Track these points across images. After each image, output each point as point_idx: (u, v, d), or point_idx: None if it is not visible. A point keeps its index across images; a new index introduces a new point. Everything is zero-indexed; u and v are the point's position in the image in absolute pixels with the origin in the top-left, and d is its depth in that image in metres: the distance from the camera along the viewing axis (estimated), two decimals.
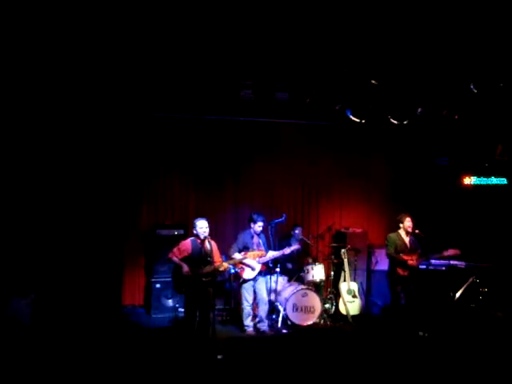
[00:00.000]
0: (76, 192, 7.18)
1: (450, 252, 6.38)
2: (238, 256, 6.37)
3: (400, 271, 6.30)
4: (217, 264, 5.76)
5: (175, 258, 5.70)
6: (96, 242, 7.19)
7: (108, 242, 7.29)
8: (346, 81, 6.38)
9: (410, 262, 6.25)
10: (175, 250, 5.74)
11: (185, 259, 5.70)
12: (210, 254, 5.71)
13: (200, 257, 5.69)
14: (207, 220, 5.83)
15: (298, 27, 5.08)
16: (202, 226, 5.71)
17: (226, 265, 5.90)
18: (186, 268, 5.64)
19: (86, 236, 7.16)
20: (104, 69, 5.96)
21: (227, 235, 7.80)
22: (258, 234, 6.63)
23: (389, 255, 6.47)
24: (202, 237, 5.72)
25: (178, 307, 7.27)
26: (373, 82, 6.18)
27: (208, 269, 5.68)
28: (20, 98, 6.45)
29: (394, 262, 6.39)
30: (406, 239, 6.47)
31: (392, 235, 6.51)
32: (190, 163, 8.04)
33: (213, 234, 6.31)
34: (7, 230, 6.60)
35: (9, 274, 6.09)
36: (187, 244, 5.76)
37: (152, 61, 5.88)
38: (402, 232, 6.49)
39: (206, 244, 5.74)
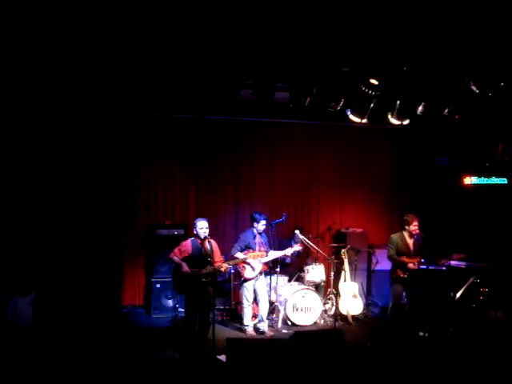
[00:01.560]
0: (76, 192, 7.18)
1: (456, 258, 6.37)
2: (240, 256, 6.39)
3: (400, 273, 6.25)
4: (217, 264, 5.76)
5: (176, 258, 5.73)
6: (96, 242, 7.19)
7: (108, 242, 7.29)
8: (346, 80, 6.37)
9: (410, 266, 6.19)
10: (176, 250, 5.78)
11: (185, 259, 5.72)
12: (210, 255, 5.71)
13: (200, 257, 5.70)
14: (207, 220, 5.84)
15: (297, 27, 5.07)
16: (202, 227, 5.73)
17: (226, 265, 5.91)
18: (185, 267, 5.66)
19: (85, 236, 7.15)
20: (103, 69, 5.96)
21: (227, 235, 7.81)
22: (260, 234, 6.63)
23: (389, 257, 6.40)
24: (202, 237, 5.73)
25: (178, 307, 7.27)
26: (373, 81, 6.17)
27: (208, 269, 5.68)
28: (20, 99, 6.45)
29: (395, 263, 6.36)
30: (410, 241, 6.36)
31: (394, 236, 6.41)
32: (190, 163, 8.04)
33: (213, 234, 6.32)
34: (7, 231, 6.60)
35: (9, 274, 6.09)
36: (187, 244, 5.78)
37: (153, 62, 5.88)
38: (405, 233, 6.37)
39: (206, 244, 5.75)
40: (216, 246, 5.93)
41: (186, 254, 5.72)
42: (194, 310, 5.76)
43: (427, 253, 6.31)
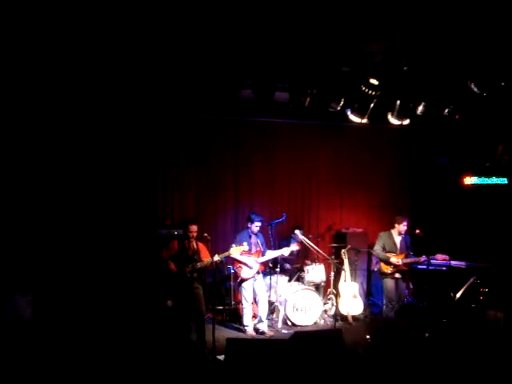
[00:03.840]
0: (76, 192, 7.18)
1: (439, 258, 6.47)
2: (233, 251, 6.34)
3: (384, 268, 6.59)
4: (206, 259, 5.95)
5: (163, 256, 5.95)
6: (95, 242, 7.19)
7: (107, 242, 7.28)
8: (346, 80, 6.38)
9: (393, 260, 6.49)
10: (164, 249, 6.01)
11: (171, 257, 5.93)
12: (196, 253, 5.93)
13: (186, 255, 5.92)
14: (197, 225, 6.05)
15: (297, 27, 5.07)
16: (192, 230, 5.96)
17: (216, 257, 5.98)
18: (171, 265, 5.87)
19: (85, 236, 7.16)
20: (100, 67, 5.96)
21: (227, 235, 7.80)
22: (256, 234, 6.64)
23: (374, 251, 6.77)
24: (190, 239, 5.96)
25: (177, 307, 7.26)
26: (373, 81, 6.17)
27: (194, 266, 5.87)
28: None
29: (378, 257, 6.69)
30: (397, 239, 6.70)
31: (383, 233, 6.79)
32: (190, 162, 8.03)
33: (212, 234, 6.34)
34: (8, 231, 6.64)
35: (11, 273, 6.11)
36: (174, 243, 6.02)
37: (152, 61, 5.89)
38: (394, 232, 6.73)
39: (193, 244, 5.99)
40: (203, 246, 6.09)
41: (172, 252, 5.95)
42: (185, 308, 5.86)
43: (413, 252, 6.63)
